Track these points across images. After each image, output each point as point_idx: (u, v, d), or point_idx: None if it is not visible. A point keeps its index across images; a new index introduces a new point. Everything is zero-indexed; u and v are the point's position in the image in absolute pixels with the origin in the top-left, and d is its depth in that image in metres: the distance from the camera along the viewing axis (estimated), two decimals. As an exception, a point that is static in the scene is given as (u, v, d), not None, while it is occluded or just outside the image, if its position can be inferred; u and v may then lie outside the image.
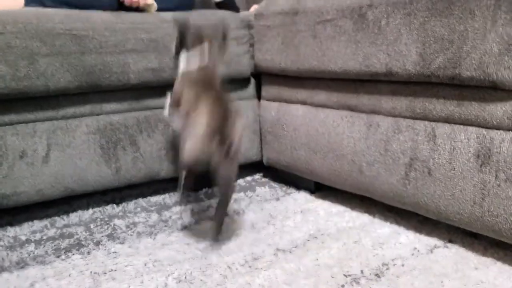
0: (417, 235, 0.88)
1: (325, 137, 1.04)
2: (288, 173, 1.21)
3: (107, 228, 0.99)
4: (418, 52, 0.80)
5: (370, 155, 0.93)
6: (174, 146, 1.11)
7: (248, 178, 1.32)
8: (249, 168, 1.39)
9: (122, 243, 0.91)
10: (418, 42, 0.79)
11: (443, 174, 0.80)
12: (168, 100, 0.87)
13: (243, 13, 1.27)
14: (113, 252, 0.86)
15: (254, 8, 1.29)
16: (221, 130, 0.76)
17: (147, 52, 1.04)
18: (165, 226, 0.99)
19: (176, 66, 0.87)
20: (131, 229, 0.98)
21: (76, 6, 1.04)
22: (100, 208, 1.11)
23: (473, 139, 0.76)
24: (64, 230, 0.99)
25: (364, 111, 0.95)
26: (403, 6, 0.81)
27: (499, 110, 0.72)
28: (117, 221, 1.03)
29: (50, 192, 1.00)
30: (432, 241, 0.86)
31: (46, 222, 1.04)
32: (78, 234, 0.96)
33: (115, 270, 0.79)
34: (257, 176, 1.34)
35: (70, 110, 1.01)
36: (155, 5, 1.13)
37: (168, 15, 1.10)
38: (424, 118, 0.83)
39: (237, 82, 1.23)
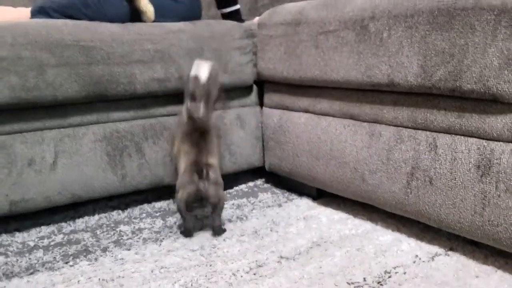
0: (419, 242, 0.90)
1: (328, 145, 1.05)
2: (290, 180, 1.22)
3: (113, 234, 1.01)
4: (419, 64, 0.81)
5: (372, 164, 0.95)
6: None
7: (251, 184, 1.33)
8: (251, 174, 1.40)
9: (128, 249, 0.92)
10: (419, 54, 0.81)
11: (444, 183, 0.82)
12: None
13: (246, 23, 1.28)
14: (120, 259, 0.88)
15: (257, 18, 1.31)
16: (196, 162, 0.94)
17: (153, 63, 1.06)
18: (170, 232, 1.01)
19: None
20: (137, 235, 1.00)
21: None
22: (106, 214, 1.13)
23: (474, 150, 0.77)
24: (71, 236, 1.01)
25: (366, 120, 0.97)
26: (404, 19, 0.83)
27: (499, 122, 0.74)
28: (123, 227, 1.05)
29: (58, 199, 1.02)
30: (434, 249, 0.87)
31: (53, 228, 1.06)
32: (85, 240, 0.98)
33: (123, 277, 0.81)
34: (259, 182, 1.35)
35: (77, 118, 1.03)
36: (151, 11, 1.13)
37: (174, 25, 1.12)
38: (426, 128, 0.85)
39: (241, 90, 1.25)
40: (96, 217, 1.12)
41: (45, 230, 1.05)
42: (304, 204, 1.15)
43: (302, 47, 1.06)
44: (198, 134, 0.96)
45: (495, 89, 0.71)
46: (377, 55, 0.89)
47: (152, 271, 0.83)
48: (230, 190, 1.28)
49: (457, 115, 0.79)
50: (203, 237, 0.97)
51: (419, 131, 0.86)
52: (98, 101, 1.04)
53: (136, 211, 1.15)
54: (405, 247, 0.88)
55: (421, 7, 0.80)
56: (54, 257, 0.90)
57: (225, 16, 1.35)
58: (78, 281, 0.80)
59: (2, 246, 0.96)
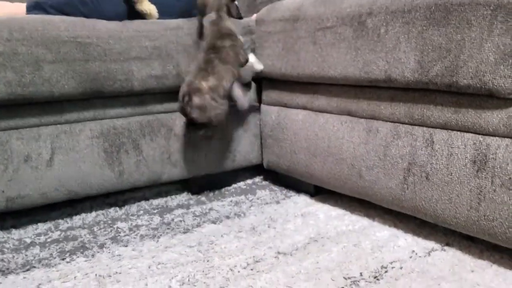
0: (415, 238, 0.90)
1: (325, 142, 1.06)
2: (288, 177, 1.23)
3: (111, 231, 1.01)
4: (416, 59, 0.82)
5: (369, 160, 0.95)
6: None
7: (249, 181, 1.33)
8: (249, 171, 1.40)
9: (125, 245, 0.92)
10: (416, 50, 0.81)
11: (441, 179, 0.82)
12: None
13: (245, 20, 1.28)
14: (117, 255, 0.88)
15: (255, 15, 1.31)
16: (188, 84, 1.01)
17: (150, 60, 1.05)
18: (168, 228, 1.01)
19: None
20: (134, 232, 1.00)
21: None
22: (103, 211, 1.13)
23: (470, 145, 0.78)
24: (68, 233, 1.00)
25: (363, 116, 0.97)
26: (401, 15, 0.83)
27: (495, 117, 0.74)
28: (120, 224, 1.04)
29: (54, 195, 1.02)
30: (430, 244, 0.87)
31: (50, 224, 1.06)
32: (82, 237, 0.98)
33: (120, 273, 0.81)
34: (258, 179, 1.35)
35: (74, 115, 1.03)
36: (154, 10, 1.14)
37: (172, 22, 1.11)
38: (422, 124, 0.85)
39: (238, 87, 1.24)
40: (93, 214, 1.11)
41: (41, 226, 1.04)
42: (302, 201, 1.15)
43: (300, 43, 1.06)
44: (205, 55, 1.01)
45: (491, 84, 0.72)
46: (374, 51, 0.89)
47: (149, 267, 0.83)
48: (229, 188, 1.28)
49: (453, 111, 0.80)
50: (201, 234, 0.97)
51: (416, 127, 0.86)
52: (95, 98, 1.04)
53: (133, 208, 1.15)
54: (402, 243, 0.88)
55: (418, 2, 0.81)
56: (51, 254, 0.90)
57: None
58: (75, 277, 0.80)
59: (-1, 243, 0.96)
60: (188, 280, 0.77)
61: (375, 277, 0.76)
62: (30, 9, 1.10)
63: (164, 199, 1.20)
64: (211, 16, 1.04)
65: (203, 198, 1.20)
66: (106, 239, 0.96)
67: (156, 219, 1.06)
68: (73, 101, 1.02)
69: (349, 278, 0.76)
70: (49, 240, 0.97)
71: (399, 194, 0.90)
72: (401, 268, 0.79)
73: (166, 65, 1.08)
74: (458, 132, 0.80)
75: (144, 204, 1.17)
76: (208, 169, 1.20)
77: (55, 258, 0.88)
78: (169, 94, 1.13)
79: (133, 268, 0.82)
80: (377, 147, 0.93)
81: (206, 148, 1.19)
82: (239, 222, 1.02)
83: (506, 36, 0.69)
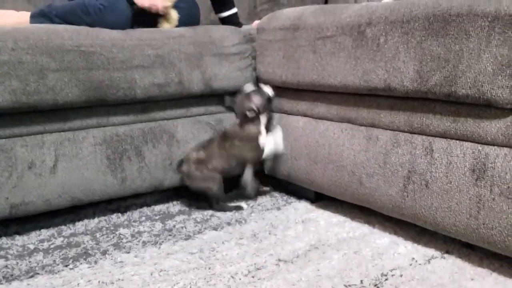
0: (415, 245, 0.91)
1: (325, 149, 1.06)
2: (289, 183, 1.23)
3: (113, 237, 1.01)
4: (415, 69, 0.83)
5: (369, 167, 0.96)
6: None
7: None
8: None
9: (128, 252, 0.93)
10: (415, 59, 0.82)
11: (440, 187, 0.83)
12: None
13: (245, 28, 1.30)
14: (120, 262, 0.89)
15: (256, 23, 1.32)
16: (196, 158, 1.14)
17: (153, 68, 1.07)
18: (169, 235, 1.01)
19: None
20: (136, 238, 1.00)
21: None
22: (106, 217, 1.14)
23: (469, 154, 0.78)
24: (71, 239, 1.01)
25: (363, 124, 0.98)
26: (400, 25, 0.84)
27: (493, 127, 0.75)
28: (122, 230, 1.05)
29: (57, 202, 1.03)
30: (430, 251, 0.88)
31: (53, 231, 1.07)
32: (84, 243, 0.99)
33: (122, 280, 0.82)
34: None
35: (77, 122, 1.04)
36: (176, 15, 1.16)
37: (175, 31, 1.13)
38: (422, 132, 0.86)
39: (240, 94, 1.26)
40: (96, 220, 1.12)
41: (45, 233, 1.05)
42: (302, 207, 1.16)
43: (300, 52, 1.07)
44: (215, 137, 1.16)
45: (489, 94, 0.73)
46: (373, 60, 0.90)
47: (151, 274, 0.83)
48: (230, 194, 1.29)
49: (452, 120, 0.81)
50: (202, 240, 0.98)
51: (416, 135, 0.87)
52: (98, 106, 1.05)
53: (135, 214, 1.16)
54: (402, 250, 0.89)
55: (417, 13, 0.82)
56: (54, 260, 0.91)
57: (223, 20, 1.36)
58: (78, 284, 0.81)
59: (2, 249, 0.97)
60: (190, 287, 0.78)
61: (375, 285, 0.77)
62: (35, 17, 1.12)
63: (166, 205, 1.21)
64: (237, 123, 1.14)
65: (204, 204, 1.21)
66: (109, 245, 0.97)
67: (158, 225, 1.07)
68: (77, 109, 1.03)
69: (349, 286, 0.77)
70: (52, 246, 0.98)
71: (399, 202, 0.91)
72: (401, 275, 0.79)
73: (168, 73, 1.09)
74: (457, 141, 0.81)
75: (146, 210, 1.18)
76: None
77: (58, 264, 0.89)
78: (171, 101, 1.14)
79: (135, 275, 0.83)
80: (377, 154, 0.94)
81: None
82: (240, 229, 1.03)
83: (504, 47, 0.70)
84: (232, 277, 0.81)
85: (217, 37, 1.17)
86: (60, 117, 1.02)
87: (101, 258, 0.91)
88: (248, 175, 1.12)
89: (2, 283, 0.82)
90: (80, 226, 1.09)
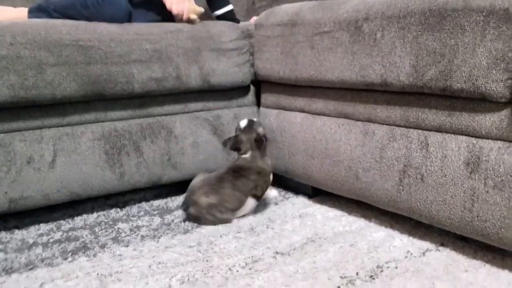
0: (411, 239, 0.92)
1: (323, 144, 1.07)
2: (287, 178, 1.24)
3: (112, 232, 1.02)
4: (411, 64, 0.83)
5: (366, 162, 0.97)
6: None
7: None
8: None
9: (126, 246, 0.94)
10: (411, 54, 0.83)
11: (435, 180, 0.84)
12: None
13: (243, 24, 1.30)
14: (118, 255, 0.90)
15: (254, 19, 1.33)
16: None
17: (151, 63, 1.07)
18: (168, 229, 1.02)
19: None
20: (135, 232, 1.01)
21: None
22: (105, 212, 1.14)
23: (463, 148, 0.79)
24: (70, 233, 1.02)
25: (360, 119, 0.99)
26: (397, 20, 0.85)
27: (487, 120, 0.76)
28: (121, 225, 1.06)
29: (56, 197, 1.03)
30: (425, 244, 0.89)
31: (52, 225, 1.07)
32: (83, 237, 0.99)
33: (121, 272, 0.82)
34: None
35: (76, 117, 1.04)
36: (198, 20, 1.19)
37: (172, 25, 1.13)
38: (417, 127, 0.87)
39: (238, 90, 1.26)
40: (95, 215, 1.13)
41: (44, 227, 1.06)
42: (300, 202, 1.17)
43: (298, 47, 1.08)
44: (224, 172, 1.07)
45: (483, 88, 0.74)
46: (370, 55, 0.91)
47: (149, 267, 0.84)
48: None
49: (447, 114, 0.82)
50: (200, 234, 0.99)
51: (411, 130, 0.88)
52: (97, 100, 1.06)
53: (134, 209, 1.17)
54: (398, 243, 0.90)
55: (413, 8, 0.83)
56: (53, 254, 0.91)
57: (220, 18, 1.37)
58: (77, 276, 0.81)
59: (2, 243, 0.97)
60: (188, 279, 0.79)
61: (371, 277, 0.78)
62: (33, 11, 1.12)
63: (165, 200, 1.22)
64: (246, 157, 1.08)
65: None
66: (107, 239, 0.98)
67: (157, 220, 1.08)
68: (75, 103, 1.03)
69: (345, 277, 0.78)
70: (51, 240, 0.99)
71: (395, 196, 0.92)
72: (396, 267, 0.80)
73: (166, 67, 1.10)
74: (452, 135, 0.81)
75: (144, 205, 1.19)
76: (208, 171, 1.21)
77: (57, 257, 0.89)
78: (169, 96, 1.15)
79: (134, 268, 0.84)
80: (374, 149, 0.95)
81: (205, 151, 1.21)
82: (237, 223, 1.04)
83: (498, 41, 0.71)
84: (230, 269, 0.82)
85: (215, 32, 1.18)
86: (58, 112, 1.02)
87: (99, 252, 0.91)
88: (250, 204, 1.08)
89: (1, 276, 0.83)
90: (79, 220, 1.10)
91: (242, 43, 1.22)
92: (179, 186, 1.24)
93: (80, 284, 0.79)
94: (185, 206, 1.04)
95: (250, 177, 1.05)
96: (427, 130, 0.85)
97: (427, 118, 0.85)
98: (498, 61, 0.72)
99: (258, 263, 0.84)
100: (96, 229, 1.04)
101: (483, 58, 0.73)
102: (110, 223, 1.08)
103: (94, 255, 0.90)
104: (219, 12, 1.37)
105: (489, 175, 0.76)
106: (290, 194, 1.23)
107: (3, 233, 1.03)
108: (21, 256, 0.91)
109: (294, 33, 1.08)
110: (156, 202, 1.21)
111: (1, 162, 0.96)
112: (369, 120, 0.97)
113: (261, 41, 1.20)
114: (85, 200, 1.15)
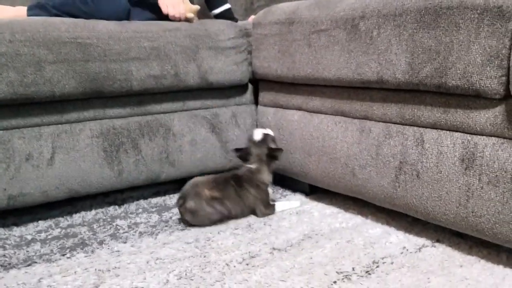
0: (407, 235, 0.93)
1: (320, 141, 1.08)
2: (284, 176, 1.25)
3: (110, 228, 1.03)
4: (407, 61, 0.84)
5: (362, 159, 0.98)
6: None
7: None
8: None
9: (124, 242, 0.94)
10: (407, 52, 0.84)
11: (431, 177, 0.85)
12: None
13: (241, 22, 1.31)
14: (116, 251, 0.90)
15: (252, 18, 1.33)
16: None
17: (149, 60, 1.08)
18: (166, 226, 1.03)
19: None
20: (133, 229, 1.02)
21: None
22: (103, 209, 1.15)
23: (458, 144, 0.80)
24: (68, 230, 1.02)
25: (356, 116, 1.00)
26: (393, 18, 0.86)
27: (482, 117, 0.77)
28: (119, 222, 1.06)
29: (55, 194, 1.04)
30: (421, 240, 0.90)
31: (50, 222, 1.08)
32: (82, 234, 1.00)
33: (119, 268, 0.83)
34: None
35: (75, 115, 1.05)
36: (195, 18, 1.20)
37: (171, 23, 1.14)
38: (413, 124, 0.88)
39: (236, 88, 1.27)
40: (93, 212, 1.13)
41: (42, 224, 1.06)
42: (297, 199, 1.17)
43: (296, 46, 1.08)
44: (227, 176, 1.07)
45: (478, 85, 0.74)
46: (367, 53, 0.91)
47: (147, 262, 0.85)
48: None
49: (442, 111, 0.82)
50: (198, 231, 0.99)
51: (407, 127, 0.89)
52: (95, 98, 1.06)
53: (132, 206, 1.17)
54: (394, 239, 0.91)
55: (409, 6, 0.83)
56: (51, 250, 0.92)
57: (218, 17, 1.37)
58: (75, 272, 0.82)
59: (0, 240, 0.98)
60: (186, 275, 0.79)
61: (367, 272, 0.78)
62: (32, 9, 1.13)
63: (163, 198, 1.23)
64: (251, 167, 1.08)
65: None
66: (106, 236, 0.98)
67: (155, 217, 1.09)
68: (74, 101, 1.04)
69: (341, 272, 0.78)
70: (49, 237, 0.99)
71: (391, 192, 0.92)
72: (392, 263, 0.81)
73: (164, 65, 1.10)
74: (447, 132, 0.82)
75: (142, 202, 1.20)
76: (205, 169, 1.22)
77: (55, 254, 0.90)
78: (167, 94, 1.16)
79: (132, 263, 0.84)
80: (370, 146, 0.96)
81: (203, 149, 1.21)
82: (235, 220, 1.04)
83: (492, 38, 0.72)
84: (227, 265, 0.82)
85: (213, 31, 1.18)
86: (57, 110, 1.03)
87: (98, 248, 0.92)
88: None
89: (0, 272, 0.83)
90: (77, 217, 1.10)
91: (240, 42, 1.22)
92: (177, 184, 1.24)
93: (78, 279, 0.79)
94: (181, 201, 1.02)
95: (250, 190, 1.06)
96: (423, 127, 0.86)
97: (422, 115, 0.86)
98: (492, 58, 0.72)
99: (255, 259, 0.84)
100: (95, 226, 1.04)
101: (477, 55, 0.74)
102: (108, 220, 1.08)
103: (92, 251, 0.90)
104: (217, 11, 1.37)
105: (483, 171, 0.77)
106: (287, 192, 1.24)
107: (2, 230, 1.03)
108: (19, 252, 0.91)
109: (292, 32, 1.09)
110: (154, 200, 1.21)
111: (0, 159, 0.96)
112: (366, 118, 0.97)
113: (258, 39, 1.20)
114: (83, 197, 1.16)
